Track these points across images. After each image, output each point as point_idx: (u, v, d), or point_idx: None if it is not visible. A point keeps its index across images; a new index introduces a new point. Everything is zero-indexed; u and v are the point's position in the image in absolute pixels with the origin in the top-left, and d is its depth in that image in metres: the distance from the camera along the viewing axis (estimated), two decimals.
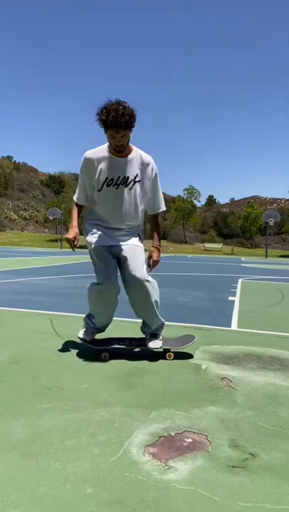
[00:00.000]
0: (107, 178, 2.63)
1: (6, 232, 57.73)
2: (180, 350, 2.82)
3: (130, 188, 2.67)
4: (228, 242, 71.35)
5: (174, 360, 2.72)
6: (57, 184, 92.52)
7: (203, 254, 43.64)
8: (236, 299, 6.15)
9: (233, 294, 6.70)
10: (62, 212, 40.26)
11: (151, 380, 2.31)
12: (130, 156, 2.65)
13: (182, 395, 2.08)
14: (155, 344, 2.77)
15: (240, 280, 9.62)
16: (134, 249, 2.74)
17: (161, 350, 2.80)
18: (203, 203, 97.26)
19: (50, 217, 42.32)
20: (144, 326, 2.85)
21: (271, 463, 1.45)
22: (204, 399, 2.04)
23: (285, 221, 58.38)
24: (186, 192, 71.48)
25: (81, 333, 2.81)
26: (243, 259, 30.13)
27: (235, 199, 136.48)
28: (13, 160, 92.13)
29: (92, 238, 2.73)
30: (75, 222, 2.78)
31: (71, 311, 4.41)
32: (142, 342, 2.87)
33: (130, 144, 2.65)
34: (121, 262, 2.73)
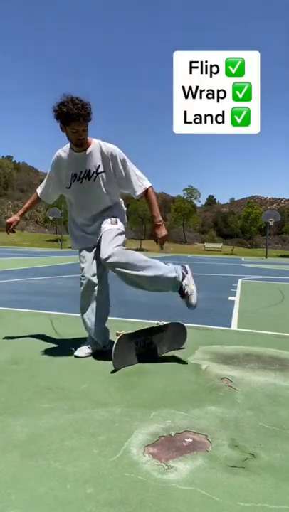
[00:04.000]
0: (71, 175, 2.72)
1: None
2: (179, 350, 2.81)
3: (94, 180, 2.67)
4: (228, 242, 71.35)
5: (174, 360, 2.71)
6: None
7: (203, 254, 43.63)
8: (236, 299, 6.15)
9: (233, 294, 6.69)
10: (62, 212, 40.25)
11: (151, 380, 2.31)
12: (90, 149, 2.66)
13: (182, 395, 2.08)
14: (192, 300, 2.73)
15: (240, 280, 9.62)
16: (104, 234, 2.65)
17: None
18: (203, 203, 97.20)
19: (50, 217, 42.36)
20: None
21: (271, 463, 1.45)
22: (204, 399, 2.04)
23: (285, 221, 58.40)
24: (185, 192, 71.49)
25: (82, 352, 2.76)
26: (243, 259, 30.13)
27: (235, 199, 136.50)
28: (13, 160, 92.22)
29: (75, 243, 2.88)
30: (21, 211, 3.04)
31: (71, 311, 4.41)
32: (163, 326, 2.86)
33: (89, 137, 2.66)
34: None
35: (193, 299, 2.72)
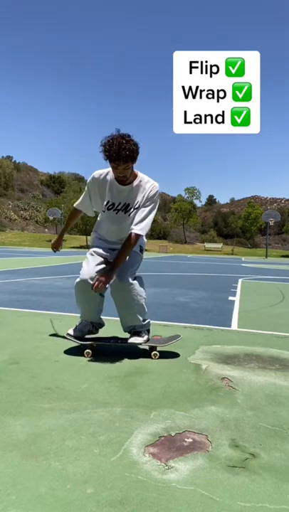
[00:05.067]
0: (108, 202, 2.74)
1: (6, 232, 57.75)
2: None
3: (129, 215, 2.73)
4: (228, 242, 71.34)
5: (174, 360, 2.72)
6: (57, 184, 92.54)
7: (203, 254, 43.65)
8: (236, 298, 6.15)
9: (234, 294, 6.70)
10: (62, 212, 40.28)
11: (151, 380, 2.31)
12: (134, 184, 2.69)
13: (182, 395, 2.08)
14: (136, 340, 2.80)
15: (240, 280, 9.62)
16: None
17: (146, 347, 2.87)
18: (203, 203, 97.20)
19: (50, 217, 42.38)
20: (126, 325, 2.87)
21: (271, 463, 1.45)
22: (204, 399, 2.04)
23: (286, 221, 58.43)
24: (186, 192, 71.54)
25: (70, 330, 2.90)
26: (243, 259, 30.14)
27: (235, 199, 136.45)
28: (13, 160, 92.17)
29: (98, 242, 2.92)
30: (62, 232, 3.22)
31: (71, 311, 4.40)
32: (125, 340, 2.89)
33: (135, 170, 2.70)
34: None
35: (137, 341, 2.83)
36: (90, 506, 1.17)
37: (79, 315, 2.96)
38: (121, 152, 2.45)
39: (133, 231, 2.66)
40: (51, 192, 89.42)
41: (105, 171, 2.72)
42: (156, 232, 69.74)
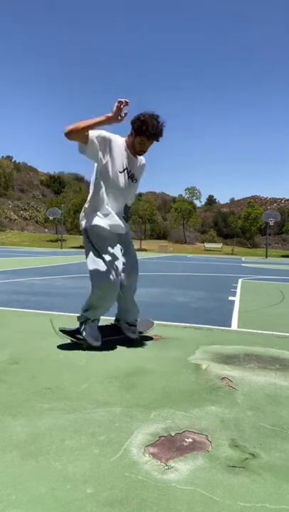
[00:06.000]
0: (126, 168, 2.88)
1: (6, 232, 57.71)
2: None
3: (134, 183, 3.00)
4: (228, 242, 71.33)
5: (174, 360, 2.71)
6: (57, 184, 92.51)
7: (203, 254, 43.64)
8: (236, 298, 6.15)
9: (234, 294, 6.70)
10: (62, 212, 40.26)
11: (151, 380, 2.31)
12: (138, 159, 2.98)
13: (182, 395, 2.08)
14: (136, 335, 3.10)
15: (240, 280, 9.62)
16: (133, 250, 3.12)
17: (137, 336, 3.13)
18: (203, 203, 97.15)
19: (50, 217, 42.34)
20: (127, 315, 3.09)
21: (271, 463, 1.45)
22: (204, 399, 2.04)
23: (286, 221, 58.42)
24: (187, 192, 71.53)
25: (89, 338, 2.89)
26: (243, 259, 30.14)
27: (235, 199, 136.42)
28: (13, 160, 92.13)
29: (105, 221, 2.82)
30: (99, 117, 2.64)
31: (71, 311, 4.41)
32: (118, 330, 3.14)
33: None
34: (124, 248, 3.00)
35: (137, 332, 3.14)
36: (90, 506, 1.17)
37: (78, 315, 2.97)
38: (156, 131, 2.73)
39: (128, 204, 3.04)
40: (51, 192, 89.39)
41: (117, 136, 2.85)
42: (156, 232, 69.77)
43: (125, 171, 2.85)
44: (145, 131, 2.71)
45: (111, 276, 2.76)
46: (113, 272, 2.78)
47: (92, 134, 2.66)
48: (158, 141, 2.84)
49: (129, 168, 2.88)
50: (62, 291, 6.42)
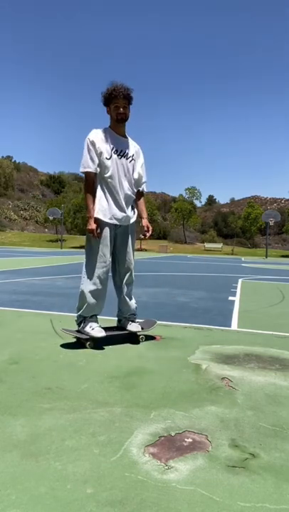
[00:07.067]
0: (113, 148, 2.98)
1: (6, 232, 57.69)
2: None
3: (130, 162, 3.06)
4: (228, 242, 71.29)
5: (174, 360, 2.72)
6: (57, 184, 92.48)
7: (203, 254, 43.64)
8: (236, 298, 6.15)
9: (233, 294, 6.70)
10: (62, 212, 40.25)
11: (151, 380, 2.31)
12: (129, 139, 3.11)
13: (182, 395, 2.08)
14: (137, 328, 3.17)
15: (240, 280, 9.62)
16: (134, 232, 3.19)
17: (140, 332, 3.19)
18: (203, 203, 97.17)
19: (50, 217, 42.32)
20: (127, 310, 3.18)
21: (271, 463, 1.45)
22: (204, 399, 2.04)
23: (286, 221, 58.39)
24: (187, 192, 71.53)
25: (96, 332, 2.97)
26: (243, 259, 30.13)
27: (235, 199, 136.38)
28: (13, 160, 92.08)
29: (101, 213, 2.97)
30: (92, 211, 2.96)
31: (71, 311, 4.41)
32: (120, 327, 3.23)
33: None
34: (120, 240, 3.09)
35: (138, 328, 3.20)
36: (90, 506, 1.17)
37: (76, 314, 3.02)
38: (124, 90, 2.92)
39: (145, 189, 3.24)
40: (51, 192, 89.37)
41: (99, 129, 3.01)
42: (156, 232, 69.71)
43: (112, 152, 2.95)
44: (112, 93, 2.91)
45: (98, 271, 2.95)
46: (100, 270, 2.96)
47: (93, 164, 2.94)
48: (130, 101, 2.97)
49: (116, 146, 2.98)
50: (62, 291, 6.42)
